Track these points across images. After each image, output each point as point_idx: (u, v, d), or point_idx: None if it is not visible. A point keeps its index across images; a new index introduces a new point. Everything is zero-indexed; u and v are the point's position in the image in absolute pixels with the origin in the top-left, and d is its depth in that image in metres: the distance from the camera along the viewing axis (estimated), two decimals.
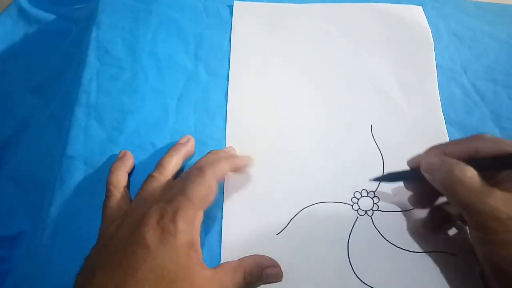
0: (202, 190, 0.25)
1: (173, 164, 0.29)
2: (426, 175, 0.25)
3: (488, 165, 0.23)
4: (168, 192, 0.26)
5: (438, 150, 0.26)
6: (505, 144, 0.23)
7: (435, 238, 0.28)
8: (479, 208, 0.22)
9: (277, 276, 0.26)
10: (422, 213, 0.29)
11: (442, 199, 0.28)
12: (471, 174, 0.23)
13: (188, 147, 0.30)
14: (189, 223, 0.23)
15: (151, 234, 0.22)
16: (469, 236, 0.23)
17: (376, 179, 0.30)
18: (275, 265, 0.27)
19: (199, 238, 0.24)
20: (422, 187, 0.26)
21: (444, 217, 0.27)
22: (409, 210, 0.30)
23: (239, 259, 0.26)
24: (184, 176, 0.27)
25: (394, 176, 0.29)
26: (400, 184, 0.30)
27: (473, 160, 0.24)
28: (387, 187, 0.31)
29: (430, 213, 0.28)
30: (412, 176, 0.28)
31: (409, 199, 0.29)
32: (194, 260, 0.23)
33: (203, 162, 0.27)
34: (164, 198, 0.25)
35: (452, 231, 0.29)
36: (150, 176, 0.28)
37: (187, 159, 0.31)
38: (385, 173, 0.30)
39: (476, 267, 0.27)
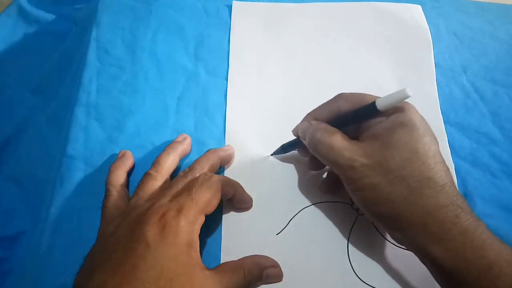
0: (208, 195, 0.25)
1: (169, 162, 0.29)
2: (302, 141, 0.28)
3: (348, 120, 0.26)
4: (167, 191, 0.26)
5: (310, 115, 0.29)
6: (360, 98, 0.26)
7: None
8: (338, 162, 0.24)
9: (277, 276, 0.26)
10: None
11: None
12: (330, 133, 0.25)
13: (184, 145, 0.31)
14: (190, 223, 0.23)
15: (151, 232, 0.22)
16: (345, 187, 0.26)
17: (274, 153, 0.32)
18: (275, 265, 0.27)
19: (198, 241, 0.24)
20: (309, 153, 0.28)
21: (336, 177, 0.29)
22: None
23: (239, 259, 0.25)
24: (182, 176, 0.27)
25: (286, 146, 0.31)
26: None
27: (336, 118, 0.27)
28: None
29: (326, 176, 0.31)
30: (298, 143, 0.29)
31: (305, 164, 0.31)
32: (193, 259, 0.23)
33: (203, 164, 0.28)
34: (164, 196, 0.25)
35: None
36: (147, 174, 0.28)
37: (183, 158, 0.31)
38: (278, 147, 0.31)
39: None
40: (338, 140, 0.25)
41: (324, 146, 0.25)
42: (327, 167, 0.30)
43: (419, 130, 0.23)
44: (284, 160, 0.32)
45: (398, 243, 0.25)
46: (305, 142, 0.27)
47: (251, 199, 0.30)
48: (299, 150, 0.31)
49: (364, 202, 0.24)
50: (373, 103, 0.24)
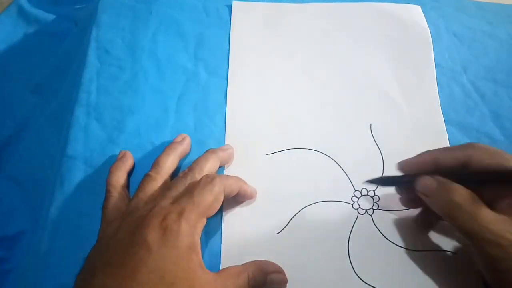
0: (210, 198, 0.25)
1: (169, 163, 0.29)
2: (423, 197, 0.25)
3: (484, 179, 0.23)
4: (168, 193, 0.25)
5: (430, 156, 0.26)
6: (500, 157, 0.23)
7: (435, 236, 0.28)
8: (482, 236, 0.21)
9: (282, 282, 0.26)
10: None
11: None
12: (470, 198, 0.22)
13: (184, 145, 0.30)
14: (192, 227, 0.23)
15: (152, 235, 0.22)
16: (475, 259, 0.23)
17: (369, 181, 0.29)
18: (279, 270, 0.26)
19: (199, 244, 0.24)
20: (413, 193, 0.26)
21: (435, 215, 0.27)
22: (409, 209, 0.30)
23: (242, 264, 0.25)
24: (182, 176, 0.27)
25: (386, 181, 0.29)
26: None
27: (467, 174, 0.23)
28: (387, 187, 0.31)
29: (422, 211, 0.28)
30: (405, 182, 0.27)
31: (400, 199, 0.29)
32: (195, 263, 0.23)
33: (202, 164, 0.28)
34: (164, 198, 0.25)
35: (451, 230, 0.29)
36: (147, 176, 0.28)
37: (183, 158, 0.31)
38: (380, 176, 0.30)
39: (475, 266, 0.27)
40: (483, 210, 0.22)
41: (466, 214, 0.22)
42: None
43: None
44: (283, 160, 0.32)
45: None
46: (427, 199, 0.24)
47: (255, 190, 0.30)
48: (399, 189, 0.28)
49: (505, 285, 0.21)
50: None
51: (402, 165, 0.27)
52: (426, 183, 0.25)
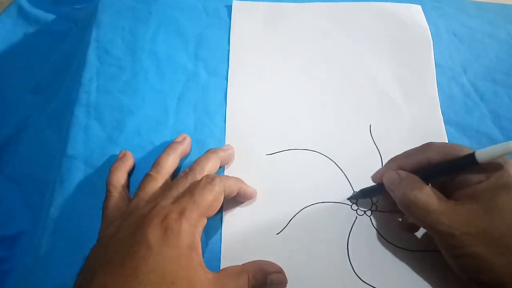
0: (211, 198, 0.25)
1: (169, 163, 0.29)
2: (389, 192, 0.26)
3: (440, 172, 0.24)
4: (168, 193, 0.26)
5: (396, 163, 0.27)
6: (452, 149, 0.24)
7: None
8: (436, 228, 0.23)
9: (282, 282, 0.26)
10: None
11: None
12: (424, 194, 0.24)
13: (184, 145, 0.30)
14: (192, 226, 0.23)
15: (153, 234, 0.22)
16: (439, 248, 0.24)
17: (350, 198, 0.30)
18: (279, 271, 0.26)
19: (200, 244, 0.24)
20: (392, 198, 0.27)
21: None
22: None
23: (243, 264, 0.25)
24: (182, 176, 0.27)
25: (366, 192, 0.30)
26: None
27: (426, 169, 0.25)
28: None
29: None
30: (380, 190, 0.28)
31: (384, 207, 0.30)
32: (195, 262, 0.23)
33: (203, 164, 0.28)
34: (165, 198, 0.25)
35: None
36: (147, 176, 0.28)
37: (183, 158, 0.31)
38: (357, 191, 0.30)
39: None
40: (435, 203, 0.23)
41: (420, 209, 0.23)
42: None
43: None
44: (283, 160, 0.32)
45: None
46: (393, 195, 0.26)
47: (255, 191, 0.30)
48: (381, 197, 0.30)
49: (464, 269, 0.23)
50: (472, 155, 0.22)
51: (374, 176, 0.29)
52: (389, 177, 0.26)
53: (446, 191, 0.24)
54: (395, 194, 0.26)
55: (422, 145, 0.26)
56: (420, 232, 0.29)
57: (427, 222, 0.23)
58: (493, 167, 0.23)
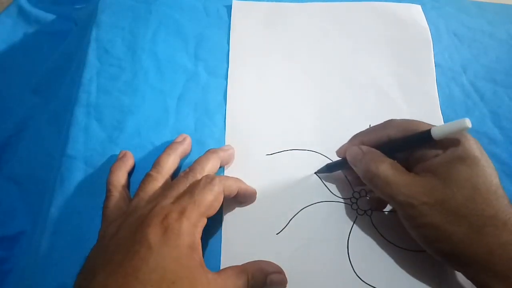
0: (210, 197, 0.25)
1: (170, 163, 0.29)
2: (352, 166, 0.27)
3: (399, 147, 0.26)
4: (169, 192, 0.26)
5: (358, 139, 0.28)
6: (411, 125, 0.25)
7: None
8: (396, 199, 0.24)
9: (281, 283, 0.26)
10: None
11: None
12: (385, 166, 0.25)
13: (184, 145, 0.31)
14: (193, 226, 0.23)
15: (154, 234, 0.22)
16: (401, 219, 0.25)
17: (318, 172, 0.31)
18: (279, 271, 0.26)
19: (200, 244, 0.24)
20: (355, 173, 0.28)
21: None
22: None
23: (242, 264, 0.25)
24: (183, 176, 0.27)
25: (332, 166, 0.31)
26: None
27: (386, 145, 0.26)
28: None
29: (372, 194, 0.30)
30: (344, 165, 0.29)
31: (351, 182, 0.31)
32: (196, 262, 0.23)
33: (203, 164, 0.28)
34: (165, 198, 0.25)
35: None
36: (148, 175, 0.28)
37: (183, 158, 0.31)
38: (326, 164, 0.31)
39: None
40: (396, 175, 0.24)
41: (381, 180, 0.24)
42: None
43: (478, 165, 0.23)
44: (283, 160, 0.32)
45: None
46: (355, 169, 0.27)
47: (255, 191, 0.30)
48: (345, 171, 0.31)
49: (424, 239, 0.24)
50: (428, 131, 0.23)
51: (338, 151, 0.30)
52: (351, 153, 0.27)
53: (408, 165, 0.25)
54: (358, 168, 0.26)
55: (384, 121, 0.27)
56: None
57: (388, 193, 0.24)
58: (450, 142, 0.24)
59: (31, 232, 0.34)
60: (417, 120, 0.26)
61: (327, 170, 0.31)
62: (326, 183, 0.31)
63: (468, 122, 0.22)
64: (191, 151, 0.32)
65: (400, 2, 0.41)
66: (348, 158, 0.28)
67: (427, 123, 0.25)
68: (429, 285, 0.27)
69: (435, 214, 0.23)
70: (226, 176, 0.30)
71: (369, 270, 0.28)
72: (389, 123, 0.27)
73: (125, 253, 0.22)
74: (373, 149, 0.26)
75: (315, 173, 0.31)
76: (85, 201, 0.29)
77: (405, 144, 0.25)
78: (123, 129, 0.33)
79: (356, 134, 0.29)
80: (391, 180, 0.24)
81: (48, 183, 0.32)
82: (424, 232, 0.23)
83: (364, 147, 0.27)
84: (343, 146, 0.29)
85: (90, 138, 0.32)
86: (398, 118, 0.34)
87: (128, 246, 0.22)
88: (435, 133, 0.23)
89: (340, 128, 0.34)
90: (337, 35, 0.39)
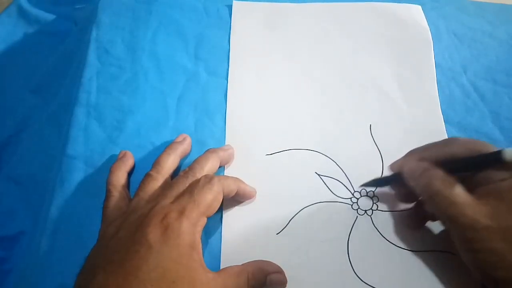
0: (210, 197, 0.25)
1: (170, 162, 0.29)
2: (409, 182, 0.26)
3: (463, 166, 0.24)
4: (168, 192, 0.26)
5: (417, 154, 0.27)
6: (477, 145, 0.25)
7: (434, 237, 0.28)
8: (458, 220, 0.22)
9: (281, 283, 0.26)
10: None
11: None
12: (450, 185, 0.23)
13: (184, 145, 0.31)
14: (192, 225, 0.23)
15: (154, 234, 0.22)
16: (454, 242, 0.24)
17: (363, 185, 0.31)
18: (279, 271, 0.26)
19: (200, 243, 0.24)
20: (406, 190, 0.27)
21: (425, 214, 0.28)
22: (408, 209, 0.30)
23: (242, 264, 0.25)
24: (182, 175, 0.27)
25: (381, 181, 0.30)
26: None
27: (449, 162, 0.25)
28: (386, 188, 0.31)
29: (412, 210, 0.29)
30: (396, 180, 0.28)
31: (396, 195, 0.30)
32: (196, 261, 0.23)
33: (203, 163, 0.28)
34: (165, 197, 0.25)
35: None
36: (147, 175, 0.28)
37: (183, 158, 0.31)
38: (374, 179, 0.30)
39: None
40: (460, 195, 0.23)
41: (444, 199, 0.23)
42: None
43: None
44: (283, 160, 0.32)
45: None
46: (413, 184, 0.26)
47: (255, 190, 0.30)
48: (394, 187, 0.30)
49: (479, 264, 0.23)
50: (499, 152, 0.22)
51: (392, 166, 0.29)
52: (411, 167, 0.26)
53: (466, 187, 0.24)
54: (417, 183, 0.25)
55: (446, 139, 0.26)
56: (421, 233, 0.29)
57: (449, 213, 0.23)
58: None
59: (31, 232, 0.34)
60: (482, 141, 0.25)
61: (374, 184, 0.30)
62: (327, 183, 0.31)
63: None
64: (191, 151, 0.32)
65: (400, 2, 0.41)
66: (406, 173, 0.26)
67: (490, 144, 0.24)
68: (429, 285, 0.27)
69: (498, 240, 0.21)
70: (225, 175, 0.30)
71: (369, 270, 0.28)
72: (452, 141, 0.26)
73: (125, 253, 0.22)
74: (437, 168, 0.25)
75: (361, 186, 0.30)
76: (85, 201, 0.29)
77: (471, 164, 0.24)
78: (123, 129, 0.33)
79: (413, 149, 0.28)
80: (455, 200, 0.23)
81: (48, 183, 0.32)
82: (483, 257, 0.22)
83: (425, 163, 0.25)
84: (397, 160, 0.28)
85: (90, 138, 0.32)
86: (398, 118, 0.34)
87: (128, 246, 0.22)
88: (507, 155, 0.22)
89: (340, 128, 0.34)
90: (337, 35, 0.39)
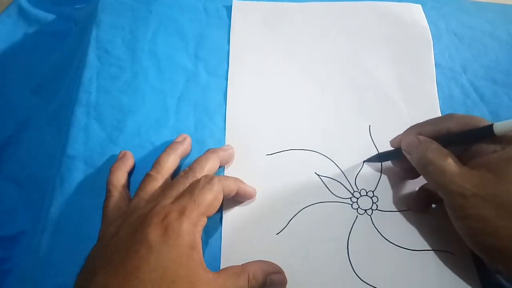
0: (210, 197, 0.25)
1: (170, 162, 0.29)
2: (406, 154, 0.27)
3: (458, 140, 0.26)
4: (168, 192, 0.26)
5: (415, 130, 0.28)
6: (471, 120, 0.26)
7: (434, 236, 0.29)
8: (448, 187, 0.24)
9: (281, 283, 0.26)
10: (419, 213, 0.30)
11: None
12: (443, 155, 0.25)
13: (184, 145, 0.31)
14: (193, 225, 0.23)
15: (154, 234, 0.22)
16: (447, 210, 0.25)
17: (367, 161, 0.32)
18: (279, 271, 0.26)
19: (200, 243, 0.24)
20: (407, 164, 0.28)
21: (429, 195, 0.29)
22: (407, 209, 0.30)
23: (243, 264, 0.25)
24: (182, 175, 0.27)
25: (383, 156, 0.31)
26: (399, 184, 0.31)
27: (445, 136, 0.26)
28: (386, 187, 0.31)
29: (417, 192, 0.30)
30: (396, 155, 0.29)
31: (398, 174, 0.31)
32: (196, 261, 0.23)
33: (203, 164, 0.28)
34: (165, 197, 0.25)
35: (451, 231, 0.29)
36: (147, 175, 0.28)
37: (183, 158, 0.31)
38: (377, 153, 0.32)
39: (474, 266, 0.27)
40: (451, 165, 0.24)
41: (436, 168, 0.24)
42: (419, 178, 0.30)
43: None
44: (283, 160, 0.32)
45: (494, 271, 0.25)
46: (409, 157, 0.27)
47: (255, 190, 0.30)
48: (395, 162, 0.31)
49: (468, 231, 0.24)
50: (490, 126, 0.24)
51: (393, 141, 0.30)
52: (408, 140, 0.27)
53: (461, 160, 0.25)
54: (412, 155, 0.27)
55: (444, 115, 0.28)
56: (421, 233, 0.29)
57: (441, 181, 0.24)
58: (509, 139, 0.24)
59: (31, 232, 0.34)
60: (477, 116, 0.26)
61: (377, 160, 0.31)
62: (326, 183, 0.31)
63: None
64: (191, 151, 0.32)
65: (400, 1, 0.41)
66: (403, 146, 0.28)
67: (485, 119, 0.25)
68: (428, 285, 0.27)
69: (485, 207, 0.22)
70: (225, 175, 0.30)
71: (369, 270, 0.28)
72: (449, 117, 0.27)
73: (125, 253, 0.22)
74: (432, 141, 0.26)
75: (364, 161, 0.32)
76: (85, 201, 0.29)
77: (465, 138, 0.25)
78: (123, 129, 0.33)
79: (413, 125, 0.29)
80: (446, 169, 0.24)
81: (48, 183, 0.32)
82: (471, 224, 0.23)
83: (421, 137, 0.27)
84: (397, 136, 0.30)
85: (90, 138, 0.32)
86: (398, 118, 0.34)
87: (128, 246, 0.22)
88: (497, 128, 0.23)
89: (340, 128, 0.34)
90: (337, 35, 0.39)
